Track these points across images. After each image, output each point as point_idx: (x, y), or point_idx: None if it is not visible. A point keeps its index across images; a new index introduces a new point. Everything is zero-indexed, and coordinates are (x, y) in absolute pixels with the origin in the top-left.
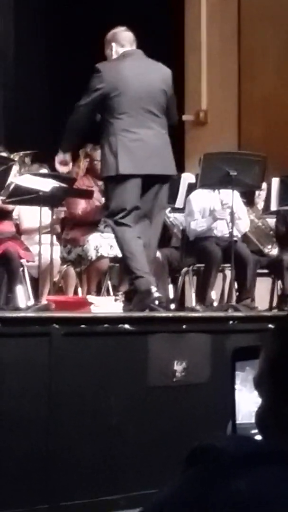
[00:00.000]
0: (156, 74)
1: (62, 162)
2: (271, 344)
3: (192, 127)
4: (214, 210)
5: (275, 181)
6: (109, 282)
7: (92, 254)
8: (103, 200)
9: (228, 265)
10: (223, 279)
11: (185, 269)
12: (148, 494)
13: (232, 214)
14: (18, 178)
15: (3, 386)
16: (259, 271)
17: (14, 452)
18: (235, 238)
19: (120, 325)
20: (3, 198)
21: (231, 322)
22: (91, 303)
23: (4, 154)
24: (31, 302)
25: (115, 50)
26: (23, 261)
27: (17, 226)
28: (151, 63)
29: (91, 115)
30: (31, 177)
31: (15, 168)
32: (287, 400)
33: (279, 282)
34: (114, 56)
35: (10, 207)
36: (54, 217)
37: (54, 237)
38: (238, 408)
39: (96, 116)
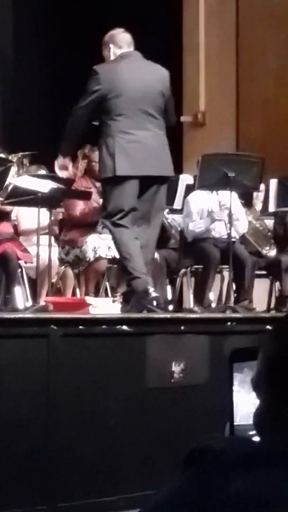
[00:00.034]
0: (153, 76)
1: (62, 167)
2: (269, 345)
3: (190, 128)
4: (212, 212)
5: (273, 183)
6: (107, 283)
7: (90, 255)
8: (101, 201)
9: (226, 266)
10: (221, 280)
11: (183, 270)
12: (147, 495)
13: (230, 215)
14: (16, 179)
15: (1, 387)
16: (257, 272)
17: (13, 453)
18: (233, 239)
19: (118, 326)
20: (1, 199)
21: (229, 323)
22: (89, 304)
23: (2, 155)
24: (29, 303)
25: (113, 52)
26: (21, 262)
27: (15, 227)
28: (148, 65)
29: (89, 117)
30: (29, 178)
31: (13, 169)
32: (285, 401)
33: (277, 284)
34: (112, 57)
35: (8, 208)
36: (52, 218)
37: (52, 238)
38: (236, 410)
39: (94, 118)
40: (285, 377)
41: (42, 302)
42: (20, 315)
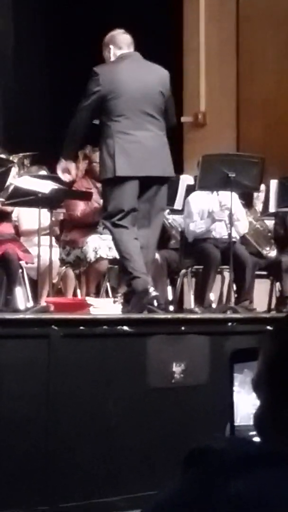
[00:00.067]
0: (153, 76)
1: (65, 170)
2: (269, 345)
3: (191, 129)
4: (213, 212)
5: (274, 183)
6: (108, 284)
7: (91, 256)
8: (102, 202)
9: (227, 266)
10: (222, 281)
11: (183, 271)
12: (148, 496)
13: (230, 215)
14: (17, 179)
15: (2, 388)
16: (258, 272)
17: (13, 454)
18: (233, 240)
19: (119, 327)
20: (2, 199)
21: (229, 323)
22: (90, 305)
23: (3, 155)
24: (30, 303)
25: (113, 53)
26: (22, 262)
27: (16, 227)
28: (148, 65)
29: (90, 119)
30: (30, 178)
31: (14, 170)
32: (285, 401)
33: (278, 284)
34: (112, 58)
35: (9, 208)
36: (53, 219)
37: (53, 238)
38: (236, 410)
39: (95, 119)
40: (285, 377)
41: (43, 303)
42: (21, 316)
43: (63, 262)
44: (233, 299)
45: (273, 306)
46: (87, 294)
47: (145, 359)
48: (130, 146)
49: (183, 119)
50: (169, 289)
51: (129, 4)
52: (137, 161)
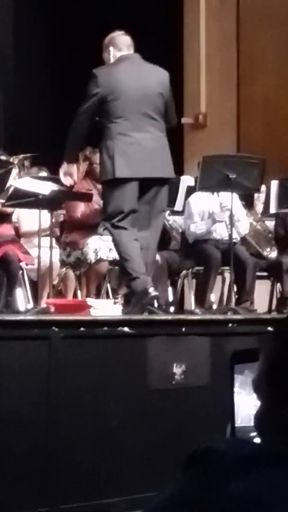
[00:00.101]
0: (152, 77)
1: (67, 174)
2: (270, 346)
3: (191, 130)
4: (213, 213)
5: (274, 184)
6: (108, 285)
7: (91, 257)
8: (102, 203)
9: (227, 267)
10: (222, 282)
11: (184, 272)
12: (148, 497)
13: (231, 216)
14: (17, 181)
15: (2, 389)
16: (258, 273)
17: (14, 455)
18: (234, 241)
19: (119, 328)
20: (3, 201)
21: (230, 325)
22: (90, 306)
23: (3, 157)
24: (31, 305)
25: (113, 54)
26: (22, 264)
27: (16, 229)
28: (147, 67)
29: (91, 121)
30: (30, 180)
31: (14, 171)
32: (285, 401)
33: (278, 285)
34: (112, 60)
35: (9, 210)
36: (53, 220)
37: (54, 240)
38: (237, 411)
39: (95, 121)
40: (286, 378)
41: (43, 304)
42: (21, 317)
43: (63, 263)
44: (233, 300)
45: (273, 307)
46: (88, 296)
47: (146, 360)
48: (129, 147)
49: (183, 120)
50: (170, 290)
51: (129, 4)
52: (136, 162)
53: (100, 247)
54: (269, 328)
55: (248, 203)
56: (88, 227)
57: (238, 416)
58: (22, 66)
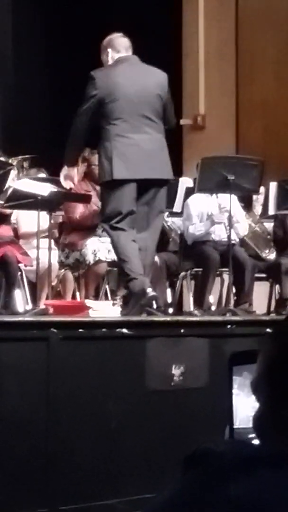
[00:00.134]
0: (150, 79)
1: (67, 177)
2: (268, 347)
3: (190, 132)
4: (212, 215)
5: (273, 185)
6: (107, 286)
7: (90, 258)
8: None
9: (226, 269)
10: (221, 283)
11: (183, 273)
12: (147, 498)
13: (230, 218)
14: (16, 182)
15: (2, 390)
16: (257, 275)
17: (13, 456)
18: (233, 242)
19: (118, 329)
20: (1, 202)
21: (229, 326)
22: (89, 307)
23: (2, 158)
24: (29, 306)
25: (111, 56)
26: (21, 265)
27: (15, 230)
28: (145, 68)
29: (90, 123)
30: (29, 181)
31: (13, 173)
32: (284, 403)
33: (277, 286)
34: (110, 61)
35: (8, 211)
36: (52, 221)
37: (52, 241)
38: (235, 413)
39: (94, 123)
40: (284, 379)
41: (42, 305)
42: (20, 318)
43: (62, 264)
44: (232, 302)
45: (272, 308)
46: (86, 297)
47: (144, 362)
48: (128, 149)
49: (182, 121)
50: (168, 291)
51: (128, 5)
52: (134, 164)
53: (98, 248)
54: (268, 330)
55: (247, 205)
56: (87, 228)
57: (237, 418)
58: (21, 67)
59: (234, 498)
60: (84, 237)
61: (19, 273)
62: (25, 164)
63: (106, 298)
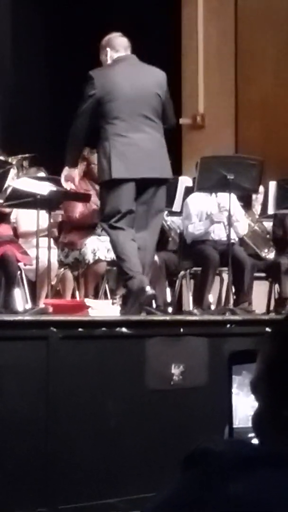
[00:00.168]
0: (149, 78)
1: (68, 178)
2: (268, 347)
3: (189, 131)
4: (211, 214)
5: (272, 185)
6: (106, 286)
7: (90, 258)
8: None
9: (226, 268)
10: (221, 283)
11: (182, 273)
12: (147, 497)
13: (229, 217)
14: (15, 181)
15: (1, 390)
16: (256, 274)
17: (13, 456)
18: (232, 241)
19: (117, 329)
20: (1, 201)
21: (228, 325)
22: (88, 307)
23: (2, 157)
24: (29, 305)
25: (110, 56)
26: (20, 264)
27: (14, 229)
28: (144, 68)
29: (89, 123)
30: (28, 180)
31: (12, 171)
32: (283, 402)
33: (276, 286)
34: (109, 61)
35: (7, 210)
36: (51, 220)
37: (52, 240)
38: (235, 412)
39: (94, 122)
40: (284, 378)
41: (41, 305)
42: (20, 317)
43: (61, 263)
44: (231, 301)
45: (272, 308)
46: (86, 296)
47: (144, 361)
48: (126, 148)
49: (181, 121)
50: (168, 291)
51: (128, 5)
52: (133, 163)
53: (98, 247)
54: (267, 329)
55: (246, 204)
56: (86, 227)
57: (236, 417)
58: (21, 66)
59: (233, 497)
60: (84, 236)
61: (19, 272)
62: (25, 163)
63: (106, 297)
